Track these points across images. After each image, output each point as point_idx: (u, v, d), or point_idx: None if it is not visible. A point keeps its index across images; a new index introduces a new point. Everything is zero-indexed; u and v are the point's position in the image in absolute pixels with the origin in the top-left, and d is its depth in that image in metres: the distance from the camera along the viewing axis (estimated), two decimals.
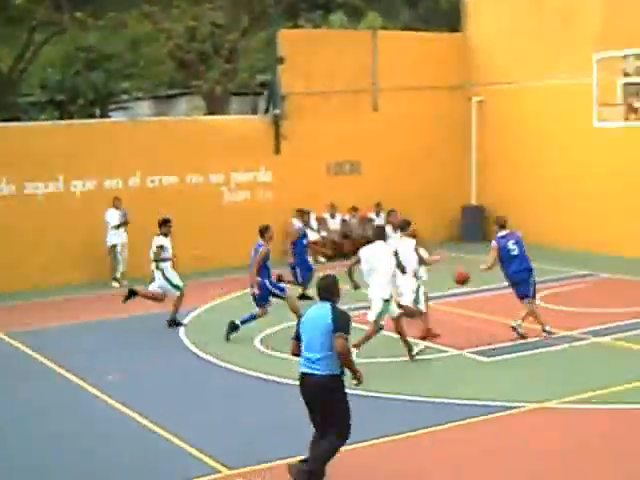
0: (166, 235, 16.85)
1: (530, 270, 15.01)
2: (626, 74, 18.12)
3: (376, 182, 25.58)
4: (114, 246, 21.26)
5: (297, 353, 9.46)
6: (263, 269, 15.59)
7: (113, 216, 21.24)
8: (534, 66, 25.18)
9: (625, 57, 18.21)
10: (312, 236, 23.99)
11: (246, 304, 16.30)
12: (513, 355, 14.08)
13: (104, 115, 33.13)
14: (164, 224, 16.96)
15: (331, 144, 25.44)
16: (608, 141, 21.63)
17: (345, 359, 9.11)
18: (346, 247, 24.62)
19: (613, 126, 18.74)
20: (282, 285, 16.27)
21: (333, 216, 25.15)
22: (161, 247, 16.68)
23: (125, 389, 13.04)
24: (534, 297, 15.16)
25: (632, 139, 20.78)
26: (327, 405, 9.23)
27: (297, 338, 9.43)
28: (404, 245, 14.51)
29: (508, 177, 25.71)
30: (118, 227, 21.19)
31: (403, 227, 15.00)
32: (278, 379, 13.11)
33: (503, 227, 15.25)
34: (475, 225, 26.75)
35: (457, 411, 11.58)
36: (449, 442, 10.68)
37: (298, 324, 9.52)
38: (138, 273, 19.72)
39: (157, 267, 16.73)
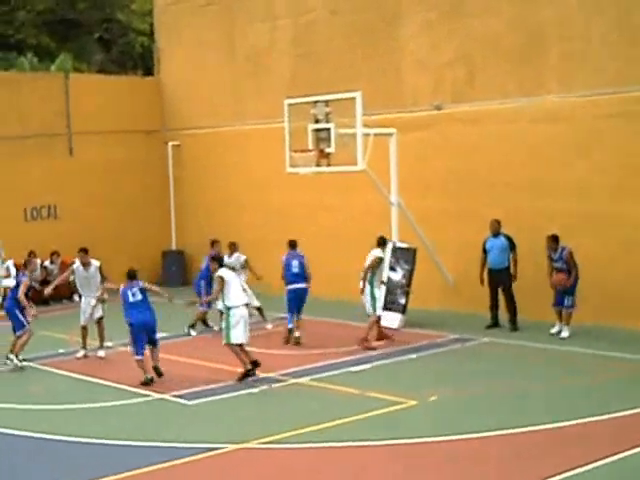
0: None
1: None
2: (316, 120, 18.77)
3: (75, 227, 25.07)
4: None
5: None
6: None
7: None
8: (228, 111, 25.73)
9: (315, 103, 18.86)
10: (10, 283, 23.24)
11: None
12: (215, 398, 14.17)
13: None
14: None
15: (27, 189, 24.90)
16: (301, 186, 22.39)
17: None
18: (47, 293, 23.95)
19: (305, 171, 19.32)
20: None
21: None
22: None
23: None
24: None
25: (323, 184, 21.62)
26: None
27: None
28: None
29: (207, 221, 25.93)
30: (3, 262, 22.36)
31: None
32: None
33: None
34: (175, 270, 26.79)
35: (160, 453, 11.49)
36: None
37: None
38: None
39: None
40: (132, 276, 15.75)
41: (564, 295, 17.76)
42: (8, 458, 11.76)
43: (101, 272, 17.64)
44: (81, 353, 17.56)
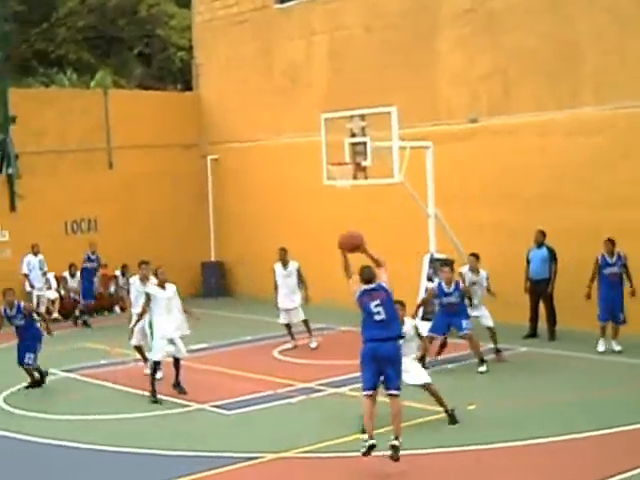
0: None
1: None
2: (353, 134, 18.95)
3: (114, 239, 25.43)
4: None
5: None
6: None
7: (31, 262, 23.30)
8: (265, 125, 26.01)
9: (351, 117, 19.05)
10: (52, 295, 23.93)
11: None
12: (254, 408, 14.36)
13: None
14: None
15: (67, 203, 25.32)
16: (337, 199, 22.53)
17: None
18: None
19: (342, 184, 19.46)
20: None
21: (73, 275, 24.75)
22: None
23: None
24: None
25: (359, 196, 21.77)
26: None
27: None
28: None
29: (246, 233, 26.27)
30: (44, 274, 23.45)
31: None
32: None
33: None
34: (214, 281, 27.08)
35: (199, 463, 11.68)
36: None
37: None
38: None
39: None
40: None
41: (613, 310, 17.49)
42: (46, 467, 12.05)
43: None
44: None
